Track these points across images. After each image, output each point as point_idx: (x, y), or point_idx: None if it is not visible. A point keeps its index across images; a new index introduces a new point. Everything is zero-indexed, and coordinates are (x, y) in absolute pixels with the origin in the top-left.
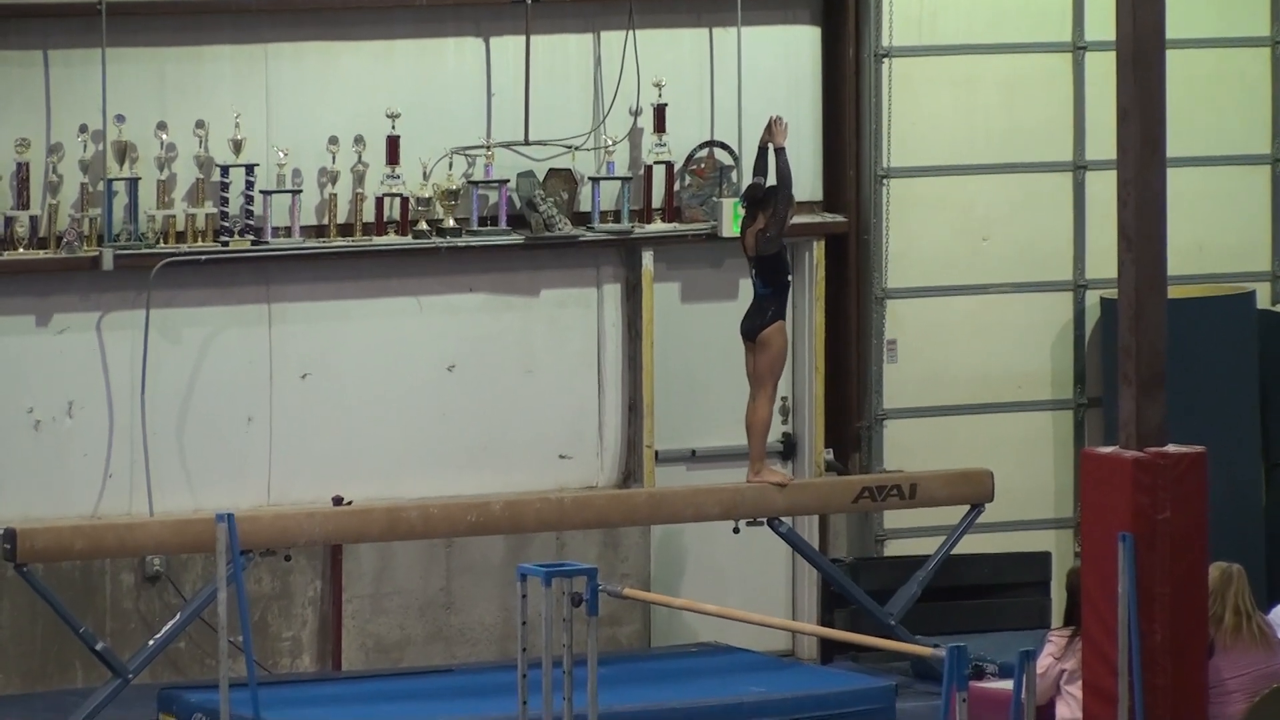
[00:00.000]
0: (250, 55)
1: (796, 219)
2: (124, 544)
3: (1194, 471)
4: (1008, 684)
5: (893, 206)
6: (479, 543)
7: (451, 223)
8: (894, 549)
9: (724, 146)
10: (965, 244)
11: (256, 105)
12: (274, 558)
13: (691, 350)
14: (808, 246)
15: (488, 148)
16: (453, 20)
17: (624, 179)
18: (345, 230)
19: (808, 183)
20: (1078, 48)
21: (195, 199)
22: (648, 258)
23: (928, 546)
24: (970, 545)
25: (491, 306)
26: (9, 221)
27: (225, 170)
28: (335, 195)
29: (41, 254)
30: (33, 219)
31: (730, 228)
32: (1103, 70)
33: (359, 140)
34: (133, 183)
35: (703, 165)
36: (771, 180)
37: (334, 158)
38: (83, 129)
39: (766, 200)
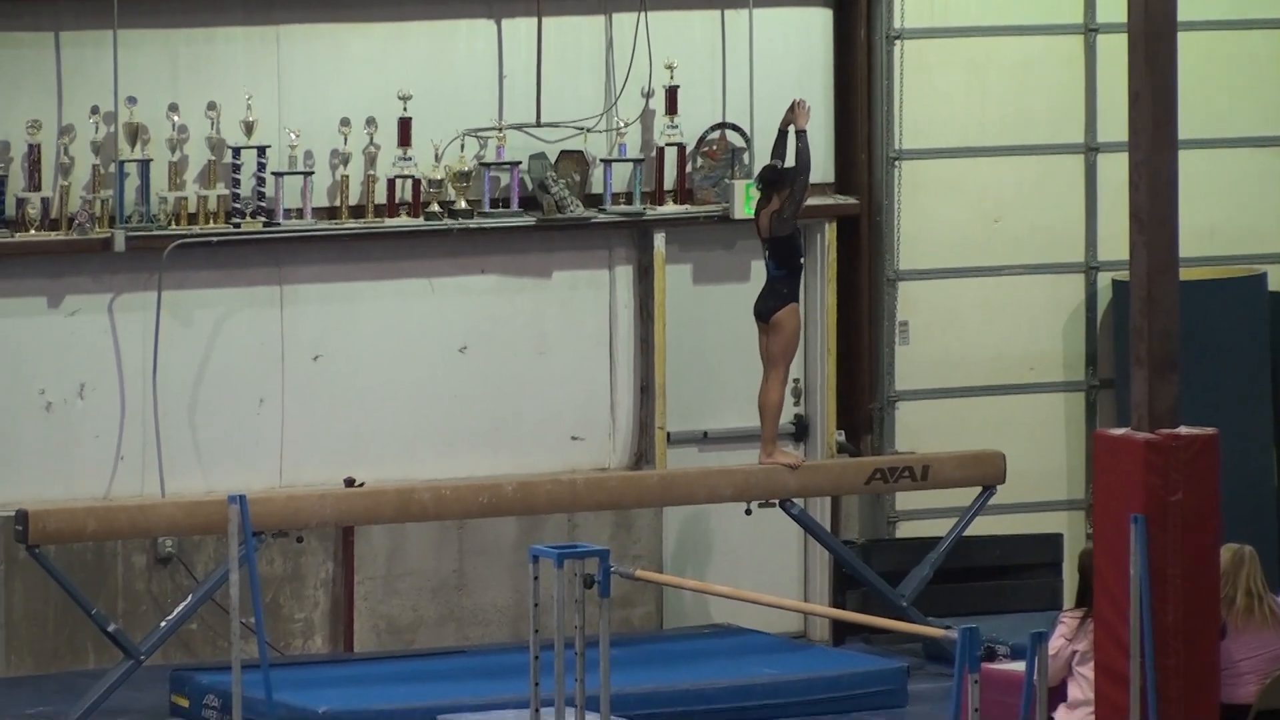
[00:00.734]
0: (262, 37)
1: (808, 201)
2: (136, 525)
3: (1206, 453)
4: (1020, 665)
5: (904, 188)
6: (491, 524)
7: (463, 204)
8: (906, 530)
9: (736, 128)
10: (977, 226)
11: (268, 87)
12: (286, 539)
13: (703, 332)
14: (819, 228)
15: (499, 129)
16: (464, 2)
17: (636, 161)
18: (357, 212)
19: (820, 164)
20: (1089, 29)
21: (207, 181)
22: (659, 239)
23: (940, 528)
24: (982, 527)
25: (503, 288)
26: (21, 203)
27: (237, 152)
28: (347, 177)
29: (53, 235)
30: (44, 200)
31: (743, 209)
32: (1114, 52)
33: (371, 122)
34: (144, 164)
35: (714, 147)
36: (790, 162)
37: (346, 139)
38: (94, 110)
39: (781, 182)
